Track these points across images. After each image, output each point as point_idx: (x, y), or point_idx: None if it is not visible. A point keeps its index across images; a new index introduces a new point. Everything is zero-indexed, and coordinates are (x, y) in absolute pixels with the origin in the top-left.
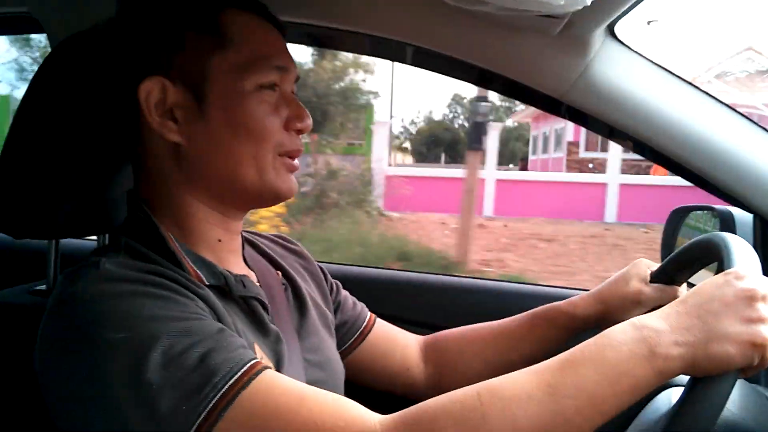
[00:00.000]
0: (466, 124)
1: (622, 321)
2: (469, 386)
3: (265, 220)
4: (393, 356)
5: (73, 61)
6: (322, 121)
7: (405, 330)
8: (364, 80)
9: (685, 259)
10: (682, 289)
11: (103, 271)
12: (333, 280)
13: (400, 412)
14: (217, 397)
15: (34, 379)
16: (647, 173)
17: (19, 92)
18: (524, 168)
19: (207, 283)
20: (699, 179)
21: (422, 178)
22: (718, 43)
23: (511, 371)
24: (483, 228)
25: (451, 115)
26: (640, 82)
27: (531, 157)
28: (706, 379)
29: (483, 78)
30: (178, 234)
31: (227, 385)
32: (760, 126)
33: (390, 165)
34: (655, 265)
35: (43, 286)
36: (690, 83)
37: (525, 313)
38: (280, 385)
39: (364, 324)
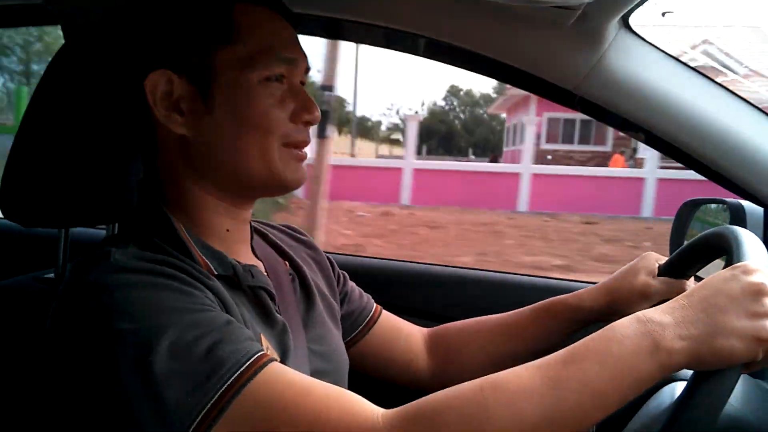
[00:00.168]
0: (462, 116)
1: (629, 314)
2: (473, 381)
3: None
4: (397, 347)
5: (85, 52)
6: None
7: (411, 321)
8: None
9: (693, 253)
10: (690, 283)
11: (114, 261)
12: (340, 271)
13: (403, 406)
14: (224, 388)
15: (40, 366)
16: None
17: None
18: (495, 159)
19: (216, 274)
20: (712, 172)
21: (361, 168)
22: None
23: (515, 364)
24: (386, 215)
25: (446, 107)
26: (655, 75)
27: (505, 149)
28: (710, 373)
29: (495, 70)
30: (187, 224)
31: (233, 377)
32: None
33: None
34: (664, 259)
35: (52, 275)
36: (704, 75)
37: (530, 305)
38: (286, 378)
39: (370, 315)
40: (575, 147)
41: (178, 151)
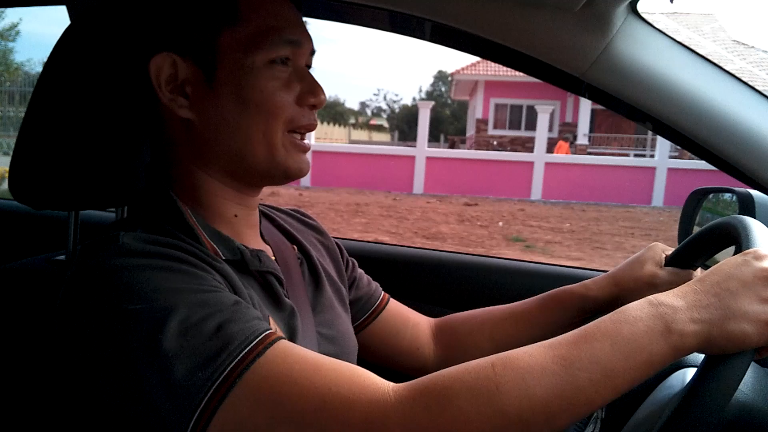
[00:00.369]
0: (450, 102)
1: None
2: (484, 358)
3: None
4: (404, 336)
5: (91, 34)
6: None
7: (420, 306)
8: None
9: (700, 243)
10: (697, 274)
11: (122, 245)
12: (349, 257)
13: (413, 381)
14: (233, 363)
15: (51, 348)
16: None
17: None
18: (453, 145)
19: (223, 258)
20: (720, 161)
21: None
22: None
23: None
24: (273, 195)
25: (435, 92)
26: (663, 62)
27: (468, 134)
28: (722, 357)
29: (502, 55)
30: (195, 209)
31: (243, 353)
32: None
33: None
34: (671, 249)
35: (62, 257)
36: (714, 63)
37: (537, 296)
38: (295, 353)
39: (378, 302)
40: (522, 133)
41: (183, 135)
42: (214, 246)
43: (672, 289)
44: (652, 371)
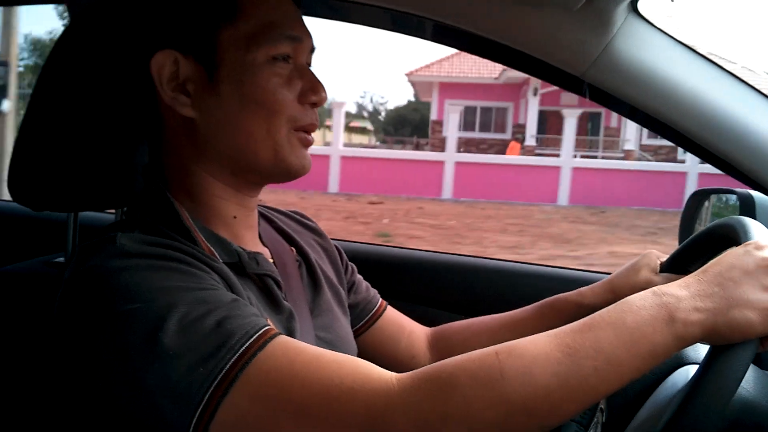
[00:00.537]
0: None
1: None
2: (488, 347)
3: None
4: (400, 344)
5: (91, 33)
6: None
7: (420, 308)
8: None
9: (696, 247)
10: None
11: (119, 246)
12: (348, 261)
13: (417, 370)
14: (234, 358)
15: (50, 350)
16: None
17: None
18: (417, 147)
19: (221, 261)
20: (721, 161)
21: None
22: None
23: None
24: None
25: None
26: (664, 61)
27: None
28: (727, 347)
29: (502, 54)
30: (192, 210)
31: (243, 347)
32: None
33: None
34: (665, 256)
35: (61, 259)
36: (715, 63)
37: (532, 304)
38: (296, 347)
39: (375, 308)
40: (476, 135)
41: (184, 135)
42: (211, 248)
43: None
44: (656, 361)
